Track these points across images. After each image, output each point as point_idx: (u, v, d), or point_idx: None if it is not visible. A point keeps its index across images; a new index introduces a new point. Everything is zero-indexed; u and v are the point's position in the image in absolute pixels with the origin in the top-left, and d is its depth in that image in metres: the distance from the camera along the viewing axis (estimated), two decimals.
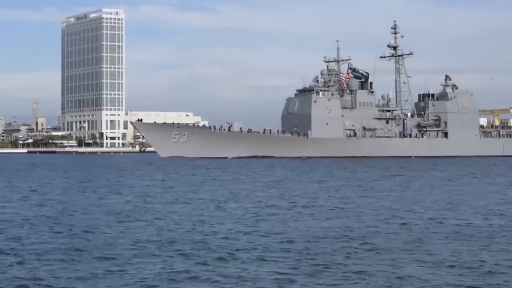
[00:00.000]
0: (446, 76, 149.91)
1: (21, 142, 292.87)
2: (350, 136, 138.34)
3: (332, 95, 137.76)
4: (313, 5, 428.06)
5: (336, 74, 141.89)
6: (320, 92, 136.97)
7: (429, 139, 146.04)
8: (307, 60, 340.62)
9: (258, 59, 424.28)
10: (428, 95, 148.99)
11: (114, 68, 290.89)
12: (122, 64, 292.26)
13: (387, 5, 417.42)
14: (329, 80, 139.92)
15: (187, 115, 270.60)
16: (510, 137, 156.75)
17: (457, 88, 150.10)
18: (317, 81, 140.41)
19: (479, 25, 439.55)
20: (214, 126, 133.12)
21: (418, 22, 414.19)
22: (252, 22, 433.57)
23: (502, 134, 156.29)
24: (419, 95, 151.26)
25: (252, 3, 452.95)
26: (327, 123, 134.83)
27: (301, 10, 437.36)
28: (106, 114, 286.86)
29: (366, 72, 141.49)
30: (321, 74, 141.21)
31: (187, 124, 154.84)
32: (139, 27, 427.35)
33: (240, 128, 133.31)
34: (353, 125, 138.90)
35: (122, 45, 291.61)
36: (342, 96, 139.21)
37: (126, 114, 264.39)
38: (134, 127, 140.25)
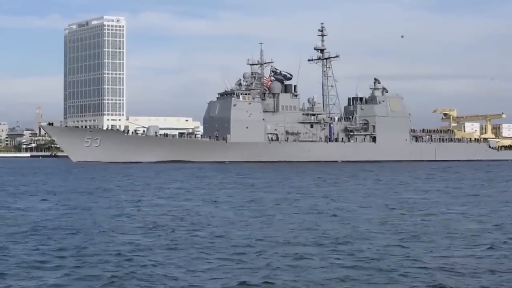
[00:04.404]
0: (375, 80, 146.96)
1: (24, 146, 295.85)
2: (272, 140, 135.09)
3: (253, 98, 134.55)
4: (315, 11, 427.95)
5: (259, 77, 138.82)
6: (241, 96, 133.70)
7: (356, 144, 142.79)
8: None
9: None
10: (357, 98, 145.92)
11: (115, 74, 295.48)
12: (123, 70, 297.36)
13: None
14: (251, 83, 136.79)
15: (186, 120, 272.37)
16: (443, 142, 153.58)
17: (387, 92, 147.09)
18: (240, 84, 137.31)
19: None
20: (128, 130, 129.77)
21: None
22: (252, 28, 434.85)
23: (435, 139, 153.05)
24: (349, 98, 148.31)
25: (252, 11, 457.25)
26: (247, 127, 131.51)
27: (302, 16, 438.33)
28: (108, 119, 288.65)
29: (290, 74, 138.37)
30: (244, 77, 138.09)
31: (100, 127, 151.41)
32: (140, 34, 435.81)
33: (155, 133, 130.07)
34: (275, 129, 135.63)
35: (123, 52, 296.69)
36: (264, 99, 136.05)
37: (127, 119, 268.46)
38: (45, 131, 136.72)
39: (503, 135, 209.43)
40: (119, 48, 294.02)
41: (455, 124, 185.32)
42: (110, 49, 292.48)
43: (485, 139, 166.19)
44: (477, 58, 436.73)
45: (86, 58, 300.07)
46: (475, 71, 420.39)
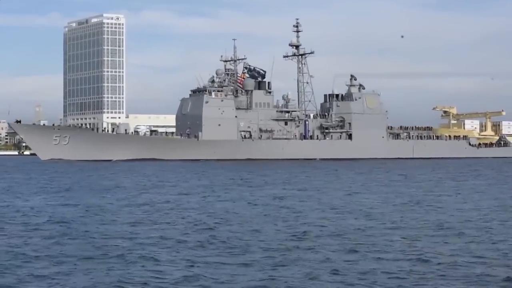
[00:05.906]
0: (352, 76, 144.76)
1: (24, 144, 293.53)
2: (245, 137, 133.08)
3: (226, 95, 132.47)
4: (316, 10, 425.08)
5: (232, 74, 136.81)
6: (213, 93, 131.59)
7: (331, 141, 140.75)
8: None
9: (259, 63, 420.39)
10: (333, 95, 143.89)
11: (115, 72, 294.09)
12: (123, 68, 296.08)
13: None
14: (224, 80, 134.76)
15: None
16: (421, 139, 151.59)
17: (363, 88, 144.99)
18: (213, 81, 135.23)
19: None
20: (97, 128, 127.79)
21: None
22: (252, 27, 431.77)
23: (412, 136, 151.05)
24: (325, 95, 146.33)
25: (252, 9, 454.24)
26: (219, 125, 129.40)
27: (305, 15, 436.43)
28: (107, 117, 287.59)
29: (263, 70, 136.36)
30: (217, 74, 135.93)
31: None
32: (140, 32, 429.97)
33: (125, 130, 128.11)
34: (248, 127, 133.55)
35: (122, 50, 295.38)
36: (237, 96, 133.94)
37: (127, 117, 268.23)
38: (12, 129, 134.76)
39: (503, 133, 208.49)
40: (119, 46, 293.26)
41: (455, 122, 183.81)
42: (109, 47, 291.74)
43: (465, 137, 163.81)
44: (477, 56, 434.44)
45: (85, 56, 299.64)
46: (475, 69, 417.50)
